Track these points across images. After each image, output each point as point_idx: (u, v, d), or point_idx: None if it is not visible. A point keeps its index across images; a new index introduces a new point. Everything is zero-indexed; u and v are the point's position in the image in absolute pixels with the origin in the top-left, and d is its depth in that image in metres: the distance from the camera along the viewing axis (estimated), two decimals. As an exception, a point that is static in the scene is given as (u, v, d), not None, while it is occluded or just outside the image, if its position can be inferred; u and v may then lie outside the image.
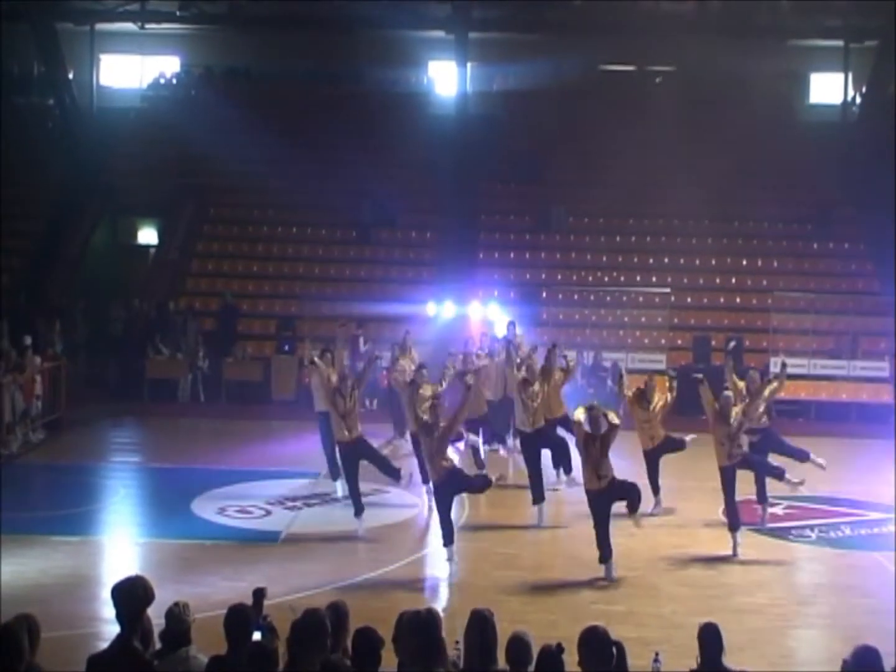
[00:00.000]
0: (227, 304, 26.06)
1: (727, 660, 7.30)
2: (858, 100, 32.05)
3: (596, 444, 12.83)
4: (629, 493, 13.08)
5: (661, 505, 15.67)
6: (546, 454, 16.26)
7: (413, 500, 16.07)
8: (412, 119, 30.07)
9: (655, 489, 15.64)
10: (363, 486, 14.84)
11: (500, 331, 21.35)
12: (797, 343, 25.53)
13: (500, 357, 19.47)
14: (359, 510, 14.39)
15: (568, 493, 16.39)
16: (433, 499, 13.92)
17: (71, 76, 32.14)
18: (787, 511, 15.77)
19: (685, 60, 30.60)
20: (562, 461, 16.65)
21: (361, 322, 24.02)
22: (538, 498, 15.20)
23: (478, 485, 13.58)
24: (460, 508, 15.33)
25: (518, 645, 6.52)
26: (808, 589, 13.20)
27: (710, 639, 7.33)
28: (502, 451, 18.43)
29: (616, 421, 12.97)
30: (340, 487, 15.77)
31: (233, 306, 26.10)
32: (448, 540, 12.87)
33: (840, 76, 31.87)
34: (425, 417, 13.23)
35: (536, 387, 15.63)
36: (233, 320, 25.87)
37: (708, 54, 28.40)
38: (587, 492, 13.03)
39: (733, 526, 13.81)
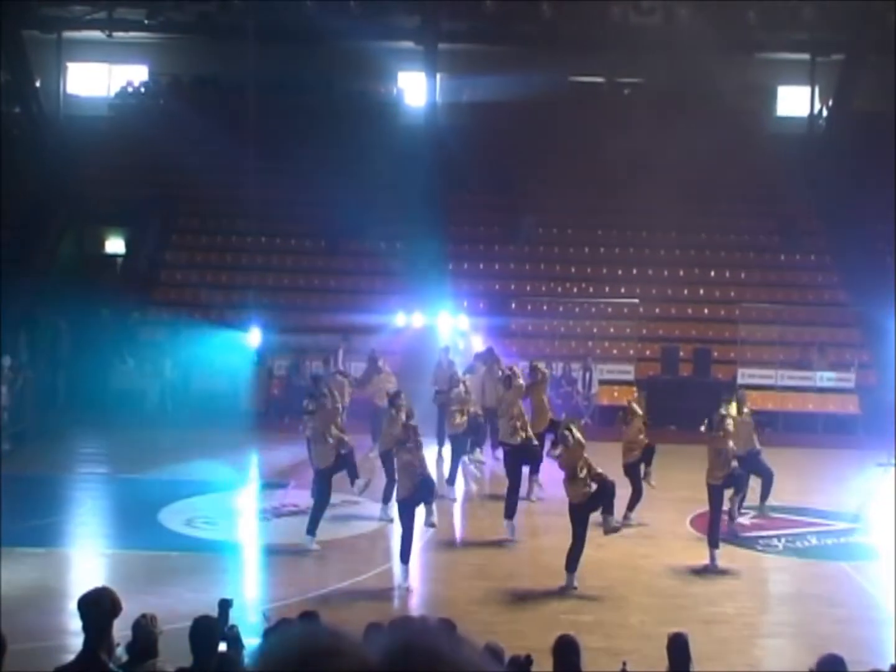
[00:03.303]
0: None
1: (694, 669, 7.34)
2: (825, 112, 32.35)
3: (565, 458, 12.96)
4: (603, 497, 13.08)
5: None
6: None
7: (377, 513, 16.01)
8: (381, 129, 30.05)
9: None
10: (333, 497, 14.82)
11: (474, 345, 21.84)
12: (764, 354, 25.70)
13: (480, 371, 19.88)
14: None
15: (536, 504, 16.42)
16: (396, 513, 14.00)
17: (38, 84, 31.91)
18: (755, 521, 15.83)
19: (654, 73, 30.77)
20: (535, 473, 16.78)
21: (345, 335, 23.86)
22: (511, 513, 15.09)
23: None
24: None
25: (489, 654, 6.52)
26: (775, 598, 13.28)
27: (679, 649, 7.38)
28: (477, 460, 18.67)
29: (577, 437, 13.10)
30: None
31: None
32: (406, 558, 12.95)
33: (807, 89, 32.16)
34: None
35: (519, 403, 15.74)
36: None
37: (676, 67, 28.56)
38: (572, 505, 13.04)
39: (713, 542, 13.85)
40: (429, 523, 13.36)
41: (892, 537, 15.42)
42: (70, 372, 25.42)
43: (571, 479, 12.93)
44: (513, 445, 15.42)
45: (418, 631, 1.33)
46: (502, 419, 15.77)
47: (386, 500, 15.45)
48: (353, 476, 14.84)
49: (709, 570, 13.63)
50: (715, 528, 13.85)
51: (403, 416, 14.41)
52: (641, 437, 15.76)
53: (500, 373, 19.83)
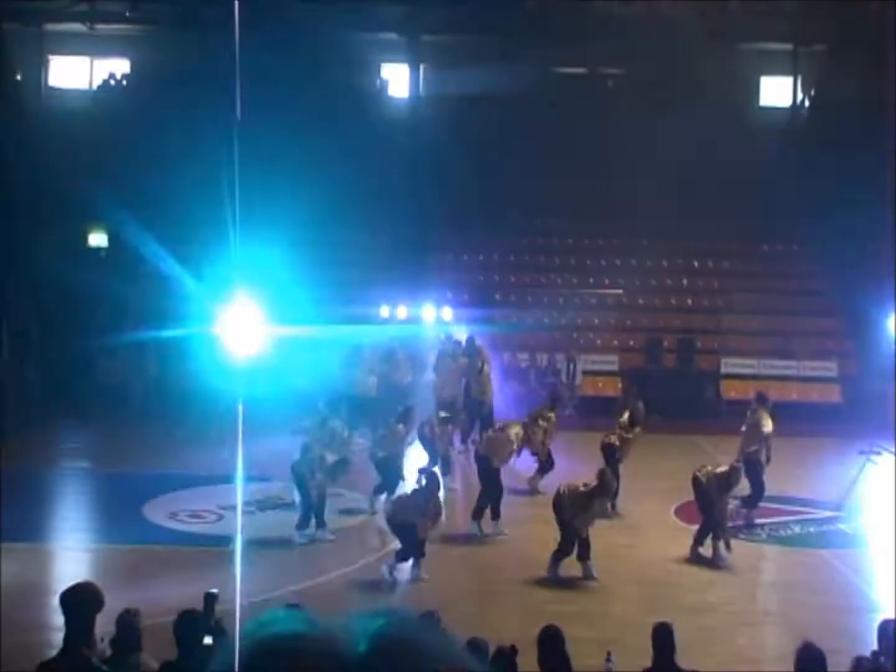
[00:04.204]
0: None
1: (678, 658, 7.38)
2: (807, 103, 32.43)
3: None
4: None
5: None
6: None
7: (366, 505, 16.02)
8: (365, 121, 29.99)
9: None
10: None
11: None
12: (747, 344, 25.78)
13: (462, 361, 20.05)
14: None
15: (518, 497, 16.43)
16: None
17: (19, 77, 31.74)
18: (738, 510, 15.87)
19: (637, 64, 30.80)
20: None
21: None
22: (478, 514, 14.99)
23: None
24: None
25: (473, 650, 6.57)
26: (758, 587, 13.34)
27: (663, 638, 7.41)
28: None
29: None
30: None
31: None
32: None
33: (789, 79, 32.24)
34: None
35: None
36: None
37: (659, 57, 28.60)
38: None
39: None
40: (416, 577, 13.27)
41: (874, 525, 15.54)
42: (53, 366, 25.34)
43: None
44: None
45: (394, 622, 1.33)
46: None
47: (377, 492, 15.64)
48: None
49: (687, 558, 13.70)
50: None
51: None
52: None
53: (480, 364, 19.98)
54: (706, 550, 13.64)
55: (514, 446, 15.62)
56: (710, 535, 13.64)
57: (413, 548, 12.70)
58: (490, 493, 14.90)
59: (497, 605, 11.98)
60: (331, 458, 14.65)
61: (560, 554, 12.89)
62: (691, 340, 25.57)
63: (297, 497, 14.87)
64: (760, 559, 14.29)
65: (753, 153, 28.88)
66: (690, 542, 14.18)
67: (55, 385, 25.08)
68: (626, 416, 16.03)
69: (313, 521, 14.33)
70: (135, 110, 30.38)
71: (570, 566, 12.98)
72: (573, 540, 12.93)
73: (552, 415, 16.92)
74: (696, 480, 13.88)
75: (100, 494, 16.93)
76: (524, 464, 16.68)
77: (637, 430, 15.93)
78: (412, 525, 12.66)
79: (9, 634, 9.31)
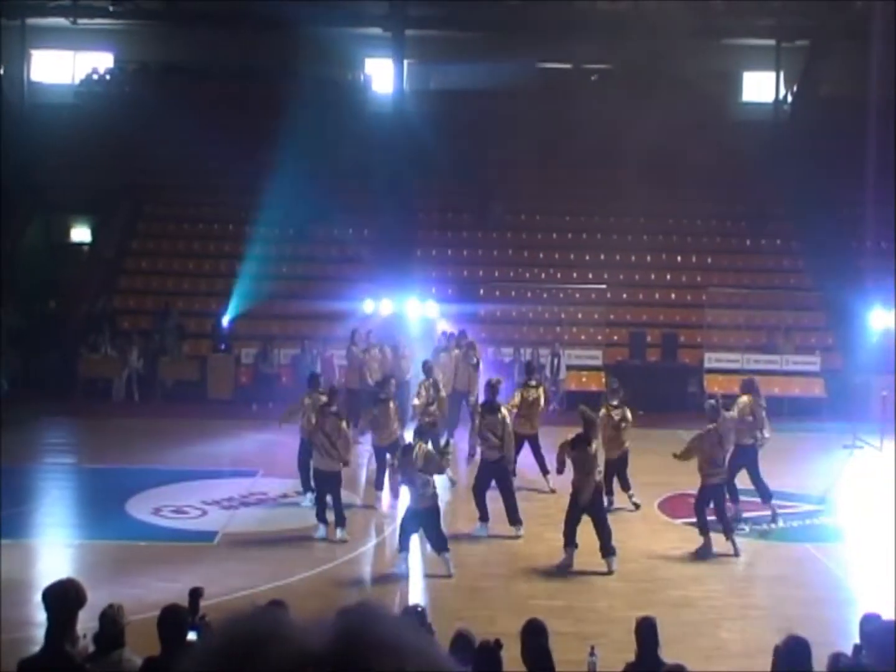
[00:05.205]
0: (177, 324, 25.73)
1: (662, 653, 7.40)
2: (790, 98, 32.52)
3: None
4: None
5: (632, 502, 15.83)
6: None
7: (349, 500, 16.00)
8: (349, 116, 29.96)
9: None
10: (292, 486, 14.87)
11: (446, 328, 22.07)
12: (730, 338, 25.86)
13: (454, 354, 20.01)
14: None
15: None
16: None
17: (1, 72, 31.57)
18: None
19: (620, 59, 30.84)
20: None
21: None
22: (485, 517, 14.70)
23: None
24: (400, 505, 15.33)
25: (461, 641, 6.58)
26: (741, 581, 13.37)
27: (647, 633, 7.43)
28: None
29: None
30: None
31: (180, 324, 25.80)
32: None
33: (772, 75, 32.32)
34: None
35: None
36: (177, 336, 25.53)
37: (643, 53, 28.64)
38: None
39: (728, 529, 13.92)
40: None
41: (857, 519, 15.62)
42: (34, 361, 25.25)
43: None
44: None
45: (366, 618, 1.31)
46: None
47: (378, 486, 15.90)
48: None
49: (685, 555, 13.76)
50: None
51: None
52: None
53: (474, 359, 19.93)
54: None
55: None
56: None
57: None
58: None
59: (483, 599, 11.98)
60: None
61: (607, 541, 12.96)
62: (675, 335, 25.63)
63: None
64: (743, 553, 14.31)
65: (737, 148, 28.95)
66: (674, 536, 14.23)
67: (38, 380, 25.00)
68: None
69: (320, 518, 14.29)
70: (118, 104, 30.27)
71: (557, 561, 13.00)
72: (605, 519, 13.14)
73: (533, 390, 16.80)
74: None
75: (83, 490, 16.88)
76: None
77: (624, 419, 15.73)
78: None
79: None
